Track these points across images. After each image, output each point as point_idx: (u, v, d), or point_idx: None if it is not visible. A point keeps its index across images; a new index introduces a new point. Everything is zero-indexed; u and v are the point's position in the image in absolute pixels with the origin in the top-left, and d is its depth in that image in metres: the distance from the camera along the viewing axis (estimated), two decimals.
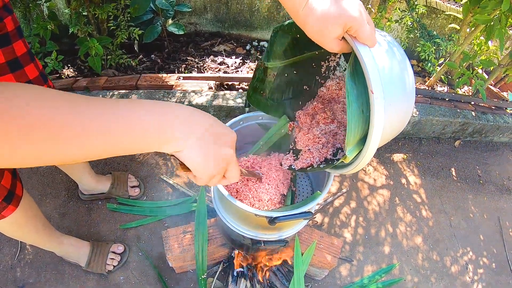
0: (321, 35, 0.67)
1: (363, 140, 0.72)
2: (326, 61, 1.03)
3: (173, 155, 0.60)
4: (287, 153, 1.07)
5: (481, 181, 2.36)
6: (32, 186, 1.71)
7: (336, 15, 0.63)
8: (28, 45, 1.03)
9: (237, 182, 1.08)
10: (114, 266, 1.54)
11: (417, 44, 2.14)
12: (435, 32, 2.17)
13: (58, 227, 1.48)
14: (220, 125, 0.64)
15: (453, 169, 2.36)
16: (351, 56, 0.71)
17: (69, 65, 2.13)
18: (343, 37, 0.68)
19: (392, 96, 0.69)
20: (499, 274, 1.95)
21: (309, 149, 1.00)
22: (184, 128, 0.56)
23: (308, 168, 0.96)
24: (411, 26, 2.13)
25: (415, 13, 2.09)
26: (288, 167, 1.02)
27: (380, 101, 0.63)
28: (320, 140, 0.99)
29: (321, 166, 0.92)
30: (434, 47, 2.06)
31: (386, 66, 0.70)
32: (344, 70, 1.03)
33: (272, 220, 0.92)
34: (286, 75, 1.03)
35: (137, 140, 0.51)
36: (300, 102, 1.10)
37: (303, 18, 0.67)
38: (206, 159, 0.60)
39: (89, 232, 1.63)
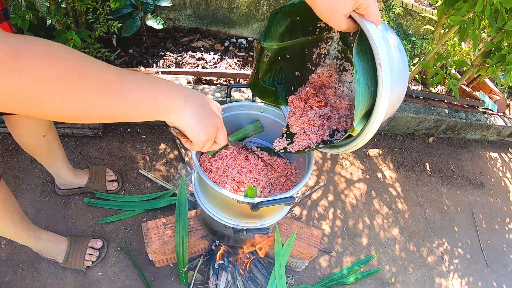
0: (331, 11, 0.69)
1: (366, 116, 0.74)
2: (318, 48, 1.05)
3: (173, 126, 0.69)
4: (280, 137, 1.08)
5: (454, 176, 2.43)
6: (7, 181, 1.66)
7: None
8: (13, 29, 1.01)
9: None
10: (92, 262, 1.50)
11: None
12: (410, 31, 2.23)
13: (34, 222, 1.43)
14: (208, 99, 0.75)
15: (427, 164, 2.42)
16: (357, 35, 0.73)
17: None
18: (349, 16, 0.70)
19: (394, 72, 0.72)
20: (474, 263, 2.01)
21: (304, 132, 1.02)
22: (182, 102, 0.65)
23: (306, 150, 0.97)
24: (387, 24, 2.18)
25: (392, 13, 2.15)
26: (282, 150, 1.03)
27: (387, 73, 0.66)
28: (315, 123, 1.01)
29: (320, 146, 0.94)
30: (410, 45, 2.12)
31: (389, 44, 0.73)
32: (334, 58, 1.06)
33: (255, 206, 0.92)
34: (279, 57, 1.04)
35: (144, 109, 0.60)
36: (292, 88, 1.11)
37: None
38: (200, 127, 0.69)
39: (66, 228, 1.59)
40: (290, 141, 1.04)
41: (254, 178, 1.16)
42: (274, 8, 0.95)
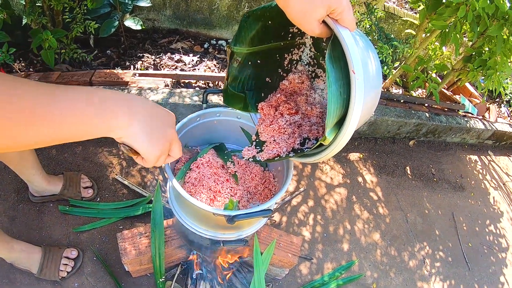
0: (304, 15, 0.66)
1: (338, 124, 0.71)
2: (290, 53, 1.02)
3: (122, 142, 0.63)
4: (249, 145, 1.05)
5: (435, 179, 2.44)
6: None
7: None
8: None
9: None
10: (67, 272, 1.44)
11: (375, 47, 2.19)
12: (392, 35, 2.23)
13: (7, 231, 1.37)
14: (159, 107, 0.68)
15: (408, 167, 2.42)
16: (330, 40, 0.70)
17: (21, 58, 2.01)
18: (323, 21, 0.68)
19: (368, 79, 0.70)
20: (455, 266, 2.01)
21: (274, 140, 0.99)
22: (126, 115, 0.59)
23: (275, 159, 0.94)
24: (369, 29, 2.18)
25: (374, 17, 2.14)
26: (252, 159, 1.00)
27: (361, 81, 0.63)
28: (285, 131, 0.98)
29: (290, 155, 0.91)
30: (392, 50, 2.11)
31: (363, 51, 0.71)
32: (306, 65, 1.03)
33: (231, 219, 0.89)
34: (250, 63, 1.01)
35: (81, 129, 0.54)
36: (263, 94, 1.08)
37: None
38: (151, 141, 0.64)
39: (40, 236, 1.52)
40: (259, 149, 1.01)
41: (231, 187, 1.12)
42: (245, 11, 0.92)
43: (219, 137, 1.28)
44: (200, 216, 1.06)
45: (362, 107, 0.65)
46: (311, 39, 0.98)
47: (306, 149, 0.88)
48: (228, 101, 1.07)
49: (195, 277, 1.44)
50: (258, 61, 1.02)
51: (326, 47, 0.91)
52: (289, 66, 1.05)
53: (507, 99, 3.29)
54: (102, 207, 1.62)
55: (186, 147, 1.12)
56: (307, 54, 1.02)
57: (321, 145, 0.78)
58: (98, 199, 1.65)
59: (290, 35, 0.97)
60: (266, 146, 0.99)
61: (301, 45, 1.01)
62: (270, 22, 0.91)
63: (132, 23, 2.05)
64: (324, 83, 1.01)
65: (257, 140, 1.04)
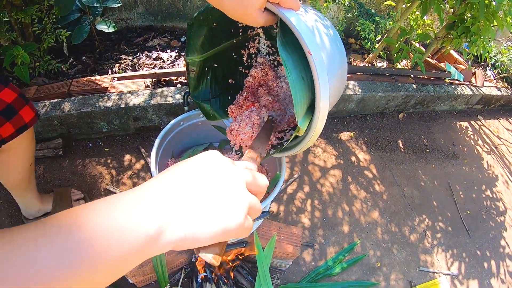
0: (242, 9, 0.61)
1: (310, 109, 0.67)
2: (246, 48, 0.98)
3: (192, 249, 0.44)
4: (230, 152, 1.01)
5: (427, 150, 2.43)
6: None
7: None
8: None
9: None
10: None
11: (356, 24, 2.15)
12: (373, 11, 2.19)
13: None
14: (205, 157, 0.47)
15: (400, 141, 2.41)
16: (278, 26, 0.65)
17: None
18: (265, 8, 0.63)
19: (328, 56, 0.65)
20: (456, 235, 2.02)
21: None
22: (158, 212, 0.39)
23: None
24: (348, 5, 2.13)
25: None
26: None
27: (320, 60, 0.58)
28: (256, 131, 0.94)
29: (271, 152, 0.87)
30: (374, 25, 2.07)
31: (314, 26, 0.66)
32: (266, 55, 0.98)
33: None
34: (206, 69, 0.96)
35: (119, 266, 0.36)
36: (229, 98, 1.03)
37: None
38: (217, 218, 0.41)
39: None
40: (240, 154, 0.97)
41: None
42: (188, 21, 0.86)
43: (205, 137, 1.24)
44: None
45: (329, 86, 0.60)
46: (261, 29, 0.94)
47: (285, 142, 0.85)
48: (206, 116, 1.02)
49: (200, 281, 1.42)
50: (215, 65, 0.97)
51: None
52: (249, 61, 1.01)
53: (492, 62, 3.28)
54: None
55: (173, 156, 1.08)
56: (264, 44, 0.97)
57: (297, 136, 0.73)
58: None
59: (241, 30, 0.92)
60: (244, 149, 0.95)
61: (255, 37, 0.96)
62: (215, 24, 0.86)
63: (104, 26, 1.98)
64: None
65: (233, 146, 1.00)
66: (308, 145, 0.72)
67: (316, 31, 0.66)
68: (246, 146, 0.92)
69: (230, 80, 1.02)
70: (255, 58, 1.00)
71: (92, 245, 0.33)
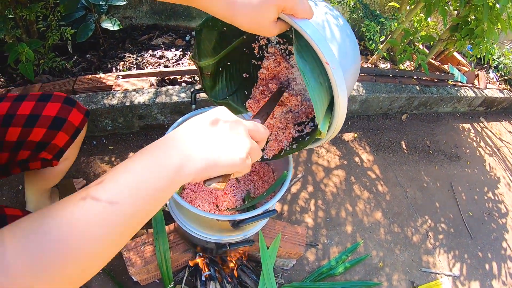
0: (256, 23, 0.61)
1: (329, 108, 0.69)
2: (256, 41, 0.98)
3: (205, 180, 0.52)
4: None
5: (430, 151, 2.44)
6: None
7: None
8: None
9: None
10: None
11: (361, 24, 2.15)
12: (378, 12, 2.19)
13: None
14: (210, 113, 0.56)
15: (403, 142, 2.41)
16: (293, 34, 0.66)
17: None
18: (278, 18, 0.63)
19: (344, 60, 0.66)
20: (457, 237, 2.03)
21: (275, 136, 0.95)
22: (179, 149, 0.49)
23: (281, 154, 0.91)
24: (353, 6, 2.13)
25: None
26: (260, 160, 0.97)
27: (337, 70, 0.60)
28: (281, 124, 0.95)
29: (294, 147, 0.88)
30: (379, 27, 2.07)
31: (330, 32, 0.67)
32: (276, 44, 0.98)
33: (236, 224, 0.86)
34: (220, 69, 0.97)
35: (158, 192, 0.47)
36: (246, 92, 1.04)
37: (230, 13, 0.60)
38: (226, 151, 0.52)
39: None
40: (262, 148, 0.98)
41: (233, 184, 1.10)
42: (196, 25, 0.85)
43: None
44: (204, 222, 1.03)
45: (346, 91, 0.62)
46: None
47: (306, 137, 0.85)
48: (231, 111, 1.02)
49: (204, 279, 1.42)
50: (228, 63, 0.97)
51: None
52: (260, 53, 1.00)
53: (495, 65, 3.28)
54: None
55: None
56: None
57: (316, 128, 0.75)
58: None
59: None
60: (267, 143, 0.95)
61: None
62: (225, 28, 0.86)
63: (109, 24, 1.98)
64: None
65: None
66: (329, 139, 0.76)
67: (332, 36, 0.66)
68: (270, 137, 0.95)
69: (244, 75, 1.02)
70: (266, 49, 0.99)
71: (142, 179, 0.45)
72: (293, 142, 0.91)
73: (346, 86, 0.62)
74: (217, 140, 0.51)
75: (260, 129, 0.59)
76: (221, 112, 0.56)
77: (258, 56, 1.00)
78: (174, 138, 0.50)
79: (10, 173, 1.10)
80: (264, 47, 0.99)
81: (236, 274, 1.47)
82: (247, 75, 1.02)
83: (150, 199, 0.45)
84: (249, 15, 0.59)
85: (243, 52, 0.98)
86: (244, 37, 0.94)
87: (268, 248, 1.39)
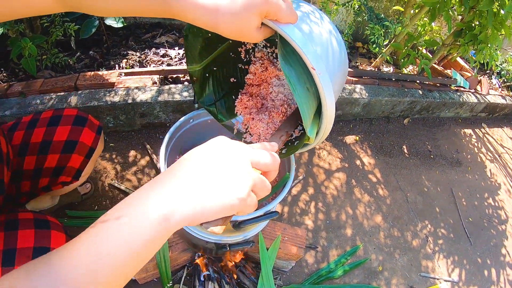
0: (240, 31, 0.59)
1: (317, 112, 0.68)
2: (243, 45, 0.96)
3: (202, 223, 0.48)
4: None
5: (431, 156, 2.44)
6: None
7: (248, 6, 0.56)
8: None
9: None
10: None
11: (366, 28, 2.14)
12: (382, 15, 2.18)
13: None
14: (214, 143, 0.52)
15: (404, 146, 2.41)
16: (278, 40, 0.65)
17: (1, 69, 1.93)
18: (262, 23, 0.62)
19: (330, 65, 0.65)
20: (457, 242, 2.02)
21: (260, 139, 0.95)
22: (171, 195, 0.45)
23: None
24: (358, 9, 2.13)
25: None
26: None
27: (324, 75, 0.59)
28: (267, 131, 0.94)
29: (283, 152, 0.87)
30: (383, 30, 2.07)
31: (316, 36, 0.66)
32: (263, 47, 0.97)
33: (237, 225, 0.85)
34: (206, 74, 0.96)
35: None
36: (234, 97, 1.03)
37: (212, 21, 0.58)
38: (222, 193, 0.46)
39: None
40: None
41: None
42: (184, 30, 0.84)
43: (214, 135, 1.23)
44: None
45: (333, 95, 0.62)
46: None
47: (296, 141, 0.85)
48: (215, 118, 1.02)
49: (202, 279, 1.42)
50: (214, 68, 0.96)
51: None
52: (247, 57, 0.99)
53: (498, 71, 3.28)
54: (100, 215, 1.57)
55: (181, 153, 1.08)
56: None
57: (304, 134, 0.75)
58: (96, 208, 1.61)
59: None
60: None
61: None
62: (210, 34, 0.84)
63: (113, 21, 1.98)
64: None
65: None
66: (318, 143, 0.75)
67: (318, 39, 0.65)
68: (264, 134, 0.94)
69: (231, 79, 1.01)
70: (253, 53, 0.98)
71: (118, 237, 0.41)
72: (283, 147, 0.90)
73: (333, 90, 0.61)
74: (211, 180, 0.46)
75: (267, 159, 0.53)
76: (219, 143, 0.51)
77: (245, 60, 1.00)
78: (163, 181, 0.46)
79: (20, 204, 1.11)
80: (251, 51, 0.98)
81: (235, 276, 1.46)
82: (235, 80, 1.02)
83: (133, 255, 0.42)
84: (232, 23, 0.57)
85: (230, 57, 0.97)
86: (230, 41, 0.93)
87: (267, 249, 1.39)
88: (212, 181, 0.46)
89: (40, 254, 0.77)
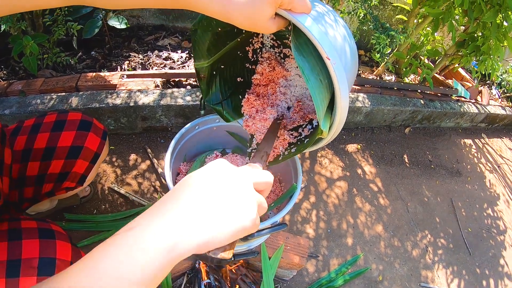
0: (253, 20, 0.58)
1: (329, 108, 0.67)
2: (251, 44, 0.96)
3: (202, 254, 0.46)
4: (247, 157, 0.99)
5: (432, 166, 2.43)
6: None
7: None
8: None
9: None
10: None
11: (372, 37, 2.14)
12: (388, 24, 2.18)
13: None
14: (213, 167, 0.49)
15: (405, 156, 2.40)
16: (292, 31, 0.64)
17: (2, 66, 1.91)
18: (275, 14, 0.60)
19: (343, 56, 0.64)
20: (456, 252, 2.02)
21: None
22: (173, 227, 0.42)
23: (279, 159, 0.89)
24: (363, 18, 2.13)
25: (368, 5, 2.08)
26: None
27: (339, 65, 0.58)
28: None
29: (292, 151, 0.86)
30: (389, 40, 2.06)
31: (329, 27, 0.65)
32: (270, 48, 0.97)
33: (244, 237, 0.84)
34: (214, 72, 0.95)
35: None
36: (240, 97, 1.02)
37: (225, 11, 0.57)
38: (225, 222, 0.45)
39: None
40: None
41: None
42: (192, 25, 0.83)
43: (219, 143, 1.22)
44: None
45: (347, 86, 0.61)
46: None
47: (305, 139, 0.83)
48: (222, 117, 1.01)
49: (203, 287, 1.40)
50: (222, 66, 0.95)
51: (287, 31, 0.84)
52: (254, 56, 0.98)
53: (498, 81, 3.29)
54: (100, 220, 1.55)
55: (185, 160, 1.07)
56: (268, 37, 0.95)
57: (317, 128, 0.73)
58: (95, 212, 1.59)
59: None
60: None
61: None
62: (220, 29, 0.83)
63: (116, 22, 1.96)
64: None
65: (254, 148, 0.98)
66: (330, 140, 0.74)
67: (331, 31, 0.64)
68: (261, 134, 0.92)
69: (238, 79, 1.00)
70: (260, 53, 0.97)
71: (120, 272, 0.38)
72: (292, 146, 0.88)
73: (347, 84, 0.60)
74: (218, 207, 0.44)
75: (264, 179, 0.52)
76: (219, 167, 0.49)
77: (252, 60, 0.99)
78: (164, 209, 0.43)
79: (22, 209, 1.09)
80: (258, 50, 0.97)
81: (237, 286, 1.44)
82: (241, 79, 1.01)
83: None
84: (246, 12, 0.56)
85: (237, 56, 0.96)
86: (239, 39, 0.92)
87: (270, 258, 1.37)
88: (218, 207, 0.44)
89: (45, 265, 0.75)
